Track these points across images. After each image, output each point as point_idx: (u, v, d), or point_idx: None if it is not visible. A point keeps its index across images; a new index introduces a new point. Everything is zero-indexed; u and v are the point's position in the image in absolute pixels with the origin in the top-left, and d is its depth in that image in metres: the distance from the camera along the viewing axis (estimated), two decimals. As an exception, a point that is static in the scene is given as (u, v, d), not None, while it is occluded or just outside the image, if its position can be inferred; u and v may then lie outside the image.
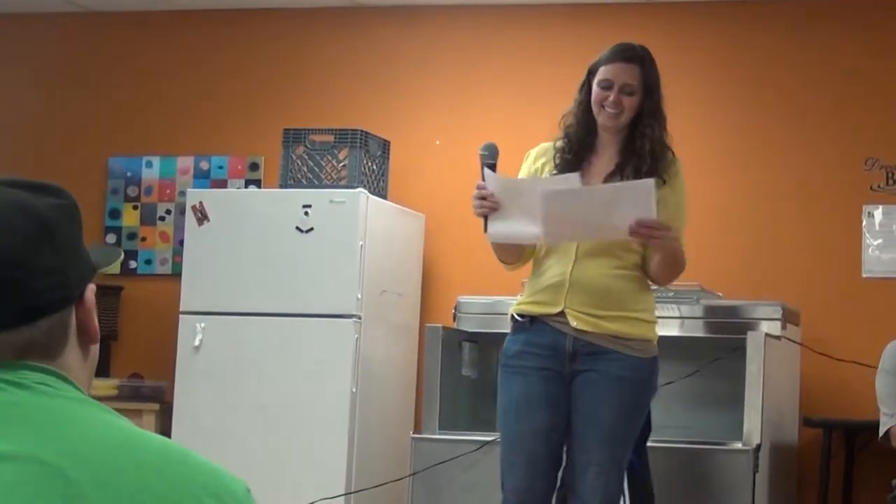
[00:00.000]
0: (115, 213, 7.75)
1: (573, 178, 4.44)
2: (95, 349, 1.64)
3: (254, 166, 7.60)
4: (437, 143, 7.35)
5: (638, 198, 4.33)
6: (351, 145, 6.92)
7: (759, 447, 5.77)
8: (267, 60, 7.64)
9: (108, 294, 7.39)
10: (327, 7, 7.57)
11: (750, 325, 6.07)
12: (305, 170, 6.97)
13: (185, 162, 7.68)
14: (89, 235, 1.66)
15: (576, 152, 4.63)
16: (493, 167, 4.52)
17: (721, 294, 6.40)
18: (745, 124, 7.04)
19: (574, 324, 4.52)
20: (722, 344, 6.09)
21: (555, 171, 4.60)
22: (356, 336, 6.64)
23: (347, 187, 6.83)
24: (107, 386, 6.99)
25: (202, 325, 6.79)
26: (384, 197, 7.05)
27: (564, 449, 4.59)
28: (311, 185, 6.91)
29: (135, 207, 7.73)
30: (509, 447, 4.60)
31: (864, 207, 6.85)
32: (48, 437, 1.47)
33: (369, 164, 7.00)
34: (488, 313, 6.34)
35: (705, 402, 6.38)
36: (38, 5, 7.81)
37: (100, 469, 1.46)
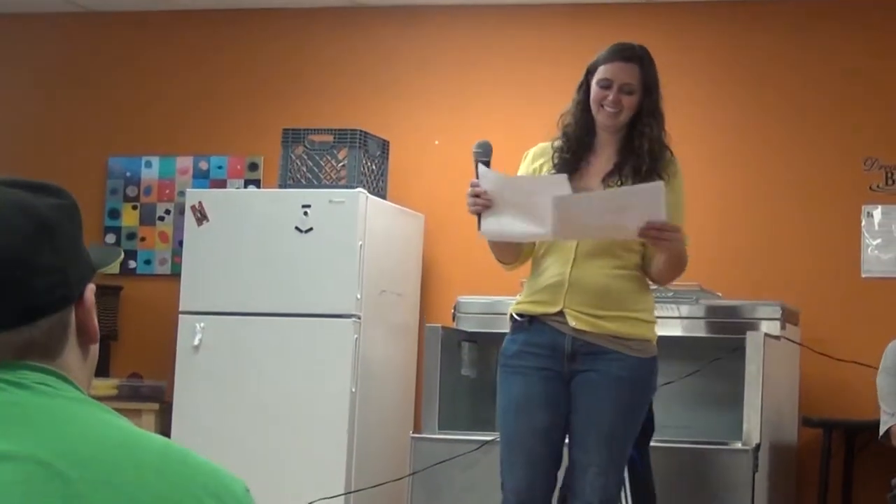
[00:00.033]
0: (115, 213, 7.75)
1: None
2: (95, 349, 1.64)
3: (253, 166, 7.60)
4: (437, 143, 7.35)
5: (648, 200, 4.36)
6: (350, 145, 6.92)
7: (758, 447, 5.77)
8: (266, 60, 7.64)
9: (108, 294, 7.39)
10: (327, 7, 7.57)
11: (749, 325, 6.07)
12: (305, 170, 6.97)
13: (185, 162, 7.68)
14: (88, 235, 1.66)
15: (574, 152, 4.63)
16: (486, 164, 4.53)
17: (720, 294, 6.40)
18: (744, 124, 7.04)
19: (573, 323, 4.52)
20: (721, 344, 6.09)
21: (553, 171, 4.60)
22: (356, 336, 6.64)
23: (347, 187, 6.83)
24: (106, 386, 6.99)
25: (201, 324, 6.79)
26: (383, 197, 7.05)
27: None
28: (310, 185, 6.91)
29: (134, 207, 7.73)
30: (509, 447, 4.60)
31: (863, 207, 6.85)
32: (48, 436, 1.47)
33: (369, 164, 7.00)
34: (488, 313, 6.34)
35: (705, 401, 6.38)
36: (38, 5, 7.80)
37: (99, 469, 1.46)
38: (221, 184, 7.57)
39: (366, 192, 6.80)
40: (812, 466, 6.48)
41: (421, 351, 6.83)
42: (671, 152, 4.65)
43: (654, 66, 4.65)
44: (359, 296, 6.65)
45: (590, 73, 4.65)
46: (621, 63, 4.60)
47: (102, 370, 7.07)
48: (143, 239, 7.69)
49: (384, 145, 7.16)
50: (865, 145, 6.88)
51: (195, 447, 1.55)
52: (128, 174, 7.74)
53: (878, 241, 6.82)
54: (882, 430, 5.25)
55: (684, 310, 6.16)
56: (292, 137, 7.01)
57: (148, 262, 7.67)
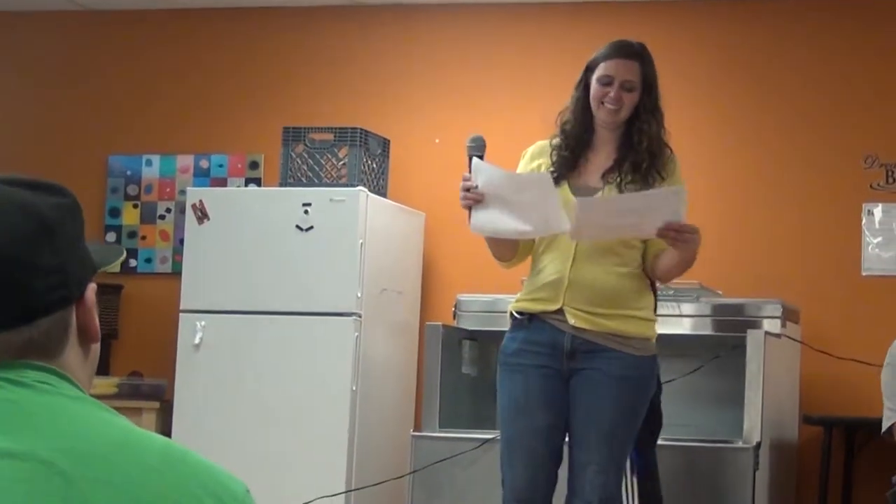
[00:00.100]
0: (115, 212, 7.75)
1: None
2: (96, 348, 1.64)
3: (254, 165, 7.60)
4: (437, 141, 7.34)
5: (670, 204, 4.40)
6: (351, 144, 6.92)
7: (759, 445, 5.76)
8: (267, 59, 7.64)
9: (108, 292, 7.39)
10: (327, 5, 7.56)
11: (750, 323, 6.06)
12: (305, 168, 6.96)
13: (185, 160, 7.68)
14: (89, 234, 1.65)
15: (573, 149, 4.63)
16: (480, 159, 4.53)
17: (721, 292, 6.39)
18: (744, 122, 7.03)
19: (572, 321, 4.51)
20: (722, 342, 6.09)
21: (552, 169, 4.60)
22: (356, 334, 6.64)
23: (347, 186, 6.83)
24: (107, 384, 6.98)
25: (202, 323, 6.79)
26: (384, 195, 7.05)
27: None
28: (310, 184, 6.91)
29: (135, 206, 7.73)
30: (509, 445, 4.59)
31: (863, 205, 6.85)
32: (48, 434, 1.47)
33: (369, 162, 7.00)
34: (488, 311, 6.34)
35: (705, 400, 6.38)
36: (38, 3, 7.80)
37: (100, 467, 1.46)
38: (222, 182, 7.57)
39: (366, 190, 6.80)
40: (812, 464, 6.48)
41: (421, 349, 6.83)
42: (671, 150, 4.66)
43: (654, 64, 4.65)
44: (359, 294, 6.65)
45: (589, 70, 4.65)
46: (622, 60, 4.60)
47: (103, 368, 7.07)
48: (143, 237, 7.69)
49: (385, 144, 7.16)
50: (865, 143, 6.87)
51: (195, 445, 1.55)
52: (128, 173, 7.74)
53: (879, 239, 6.82)
54: (885, 425, 5.24)
55: (685, 308, 6.16)
56: (293, 136, 7.01)
57: (148, 260, 7.67)
